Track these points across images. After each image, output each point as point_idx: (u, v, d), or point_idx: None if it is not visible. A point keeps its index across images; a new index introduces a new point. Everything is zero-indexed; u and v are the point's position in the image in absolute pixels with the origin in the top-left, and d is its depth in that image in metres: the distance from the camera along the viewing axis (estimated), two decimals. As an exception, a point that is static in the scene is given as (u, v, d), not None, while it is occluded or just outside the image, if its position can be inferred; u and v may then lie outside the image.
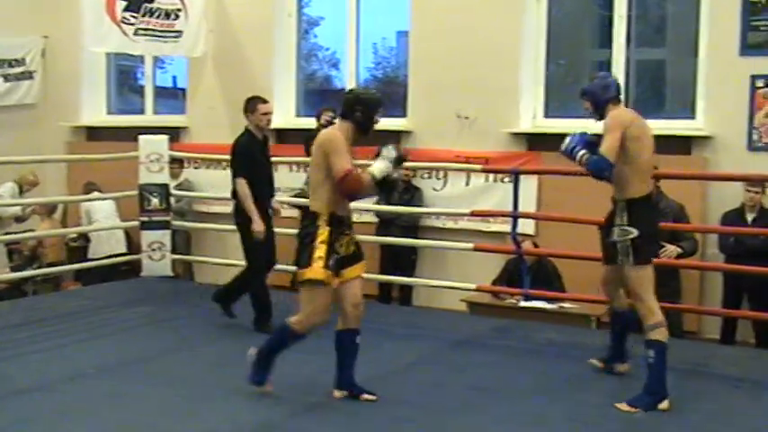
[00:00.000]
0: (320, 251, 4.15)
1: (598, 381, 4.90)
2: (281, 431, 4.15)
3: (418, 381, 4.90)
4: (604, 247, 4.68)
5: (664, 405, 4.37)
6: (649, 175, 4.58)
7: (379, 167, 4.26)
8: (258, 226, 5.84)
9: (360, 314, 4.40)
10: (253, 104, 5.97)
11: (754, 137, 6.55)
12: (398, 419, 4.23)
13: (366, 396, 4.44)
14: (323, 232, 4.19)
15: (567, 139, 4.52)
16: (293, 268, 6.54)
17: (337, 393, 4.47)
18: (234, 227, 6.18)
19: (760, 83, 6.51)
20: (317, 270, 4.15)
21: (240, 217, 5.97)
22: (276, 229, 7.11)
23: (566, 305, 6.47)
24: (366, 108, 4.28)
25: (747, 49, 6.54)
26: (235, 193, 5.96)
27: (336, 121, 7.19)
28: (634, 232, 4.42)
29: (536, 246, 6.81)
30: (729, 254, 6.32)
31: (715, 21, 6.71)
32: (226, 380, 4.84)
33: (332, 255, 4.18)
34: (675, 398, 4.50)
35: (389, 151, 4.30)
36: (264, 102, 6.04)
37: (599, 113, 4.56)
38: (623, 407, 4.37)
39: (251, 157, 5.91)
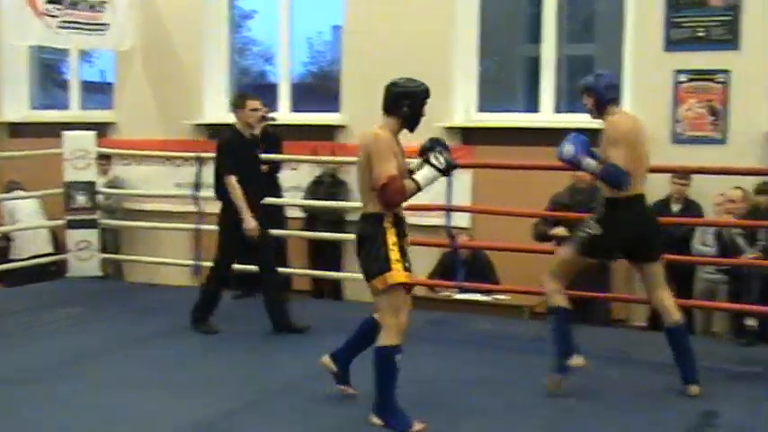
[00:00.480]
0: (395, 253, 3.89)
1: (532, 370, 4.97)
2: (217, 430, 4.10)
3: (356, 376, 4.90)
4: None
5: (577, 360, 4.50)
6: (640, 175, 4.50)
7: (426, 177, 3.98)
8: (249, 224, 5.53)
9: None
10: (242, 99, 5.71)
11: (678, 130, 6.73)
12: (338, 416, 4.23)
13: (345, 388, 4.41)
14: (391, 234, 3.92)
15: (567, 147, 4.43)
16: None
17: (326, 361, 4.45)
18: (165, 224, 6.07)
19: (683, 77, 6.70)
20: (399, 274, 3.89)
21: (223, 218, 5.76)
22: (208, 227, 7.04)
23: (500, 297, 6.56)
24: (414, 101, 3.96)
25: (671, 44, 6.73)
26: (219, 193, 5.75)
27: (271, 115, 7.26)
28: (595, 230, 4.45)
29: (472, 239, 6.88)
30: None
31: (640, 17, 6.88)
32: (157, 380, 4.77)
33: (406, 256, 3.97)
34: (602, 384, 4.62)
35: (439, 160, 3.99)
36: (254, 98, 5.76)
37: (599, 112, 4.50)
38: (552, 378, 4.51)
39: (236, 154, 5.63)
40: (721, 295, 6.18)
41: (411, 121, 3.99)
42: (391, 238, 3.91)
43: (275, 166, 7.15)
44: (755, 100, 6.53)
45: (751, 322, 5.75)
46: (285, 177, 7.41)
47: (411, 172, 4.02)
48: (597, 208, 4.60)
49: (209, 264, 6.00)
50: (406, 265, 3.95)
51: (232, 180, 5.57)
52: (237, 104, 5.72)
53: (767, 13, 6.50)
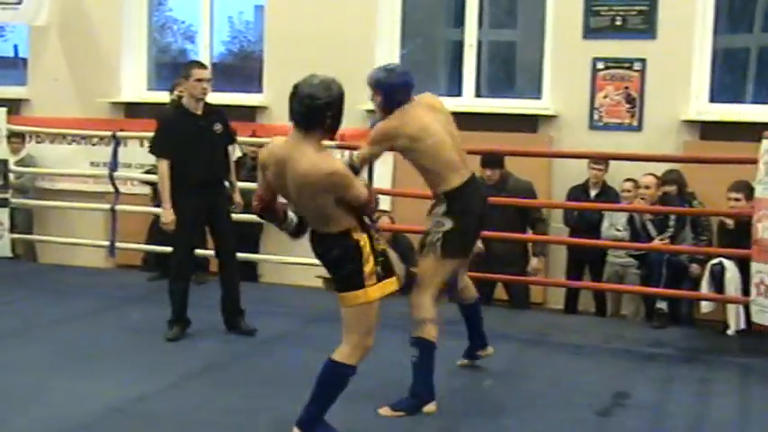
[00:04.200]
0: (370, 264, 3.55)
1: (446, 353, 5.01)
2: (130, 415, 4.02)
3: (273, 358, 4.88)
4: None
5: (430, 408, 4.11)
6: (459, 164, 4.20)
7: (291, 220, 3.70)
8: (166, 217, 5.07)
9: None
10: (187, 69, 5.15)
11: (595, 117, 6.86)
12: (250, 397, 4.20)
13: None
14: (366, 245, 3.57)
15: None
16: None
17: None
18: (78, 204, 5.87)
19: (600, 65, 6.82)
20: (373, 290, 3.56)
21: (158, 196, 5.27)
22: (124, 207, 6.91)
23: (419, 279, 6.58)
24: (337, 109, 3.53)
25: (590, 32, 6.84)
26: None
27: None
28: (448, 224, 4.14)
29: (393, 221, 6.89)
30: (573, 228, 6.62)
31: (560, 5, 6.96)
32: (69, 363, 4.68)
33: (378, 260, 3.58)
34: (518, 366, 4.69)
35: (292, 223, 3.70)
36: (201, 66, 5.22)
37: (385, 112, 4.14)
38: (386, 412, 4.08)
39: (174, 133, 5.11)
40: (630, 278, 6.34)
41: (334, 130, 3.59)
42: (366, 248, 3.55)
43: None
44: (670, 88, 6.69)
45: (662, 305, 5.92)
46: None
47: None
48: (437, 205, 4.23)
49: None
50: (379, 271, 3.56)
51: (162, 164, 5.09)
52: (183, 74, 5.22)
53: (682, 3, 6.66)
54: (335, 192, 3.48)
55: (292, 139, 3.56)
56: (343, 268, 3.58)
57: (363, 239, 3.57)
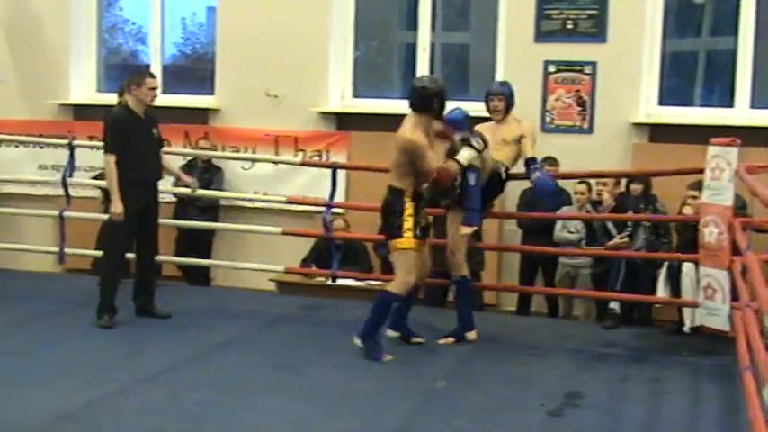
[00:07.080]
0: (408, 224, 4.79)
1: (401, 354, 5.02)
2: (80, 421, 3.94)
3: (225, 362, 4.84)
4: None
5: (471, 334, 5.17)
6: None
7: (467, 156, 4.90)
8: (116, 207, 5.36)
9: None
10: (141, 77, 5.53)
11: (547, 119, 6.93)
12: (202, 402, 4.15)
13: (416, 339, 5.17)
14: (409, 207, 4.81)
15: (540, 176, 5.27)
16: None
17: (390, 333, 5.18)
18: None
19: (552, 68, 6.90)
20: (407, 241, 4.80)
21: (108, 200, 5.55)
22: (73, 214, 6.75)
23: (373, 282, 6.58)
24: (442, 99, 4.85)
25: (541, 35, 6.91)
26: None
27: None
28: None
29: (346, 222, 6.87)
30: (526, 230, 6.66)
31: (512, 8, 7.03)
32: (15, 368, 4.58)
33: (419, 225, 4.84)
34: (472, 366, 4.70)
35: (479, 143, 4.92)
36: (153, 76, 5.65)
37: (504, 115, 5.34)
38: (446, 341, 5.15)
39: (123, 133, 5.44)
40: (582, 279, 6.38)
41: (441, 113, 4.89)
42: (408, 211, 4.81)
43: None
44: (620, 92, 6.78)
45: (614, 306, 5.97)
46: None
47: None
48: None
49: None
50: (417, 233, 4.82)
51: (110, 160, 5.41)
52: (134, 81, 5.52)
53: (632, 7, 6.76)
54: (407, 154, 4.77)
55: (407, 118, 4.89)
56: (387, 219, 4.89)
57: (410, 206, 4.82)
